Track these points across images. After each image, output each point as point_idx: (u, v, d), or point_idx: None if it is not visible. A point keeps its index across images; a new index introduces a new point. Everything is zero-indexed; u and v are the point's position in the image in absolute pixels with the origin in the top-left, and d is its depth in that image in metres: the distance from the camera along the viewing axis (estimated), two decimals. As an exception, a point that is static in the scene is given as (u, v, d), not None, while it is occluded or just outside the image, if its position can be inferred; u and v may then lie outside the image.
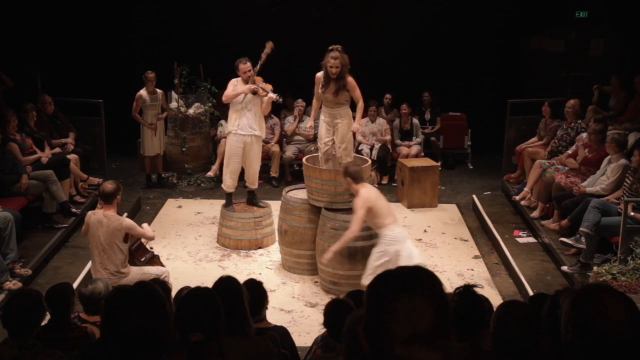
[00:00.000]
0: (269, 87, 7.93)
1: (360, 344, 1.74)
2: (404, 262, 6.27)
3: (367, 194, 6.42)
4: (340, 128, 7.39)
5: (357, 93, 7.34)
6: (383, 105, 11.67)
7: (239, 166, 8.17)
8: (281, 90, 8.47)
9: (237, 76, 7.94)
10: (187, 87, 10.84)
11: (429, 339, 1.64)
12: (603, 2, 12.14)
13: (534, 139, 10.06)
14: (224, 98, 7.99)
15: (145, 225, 6.53)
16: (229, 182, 8.20)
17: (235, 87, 7.90)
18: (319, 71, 7.39)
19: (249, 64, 7.82)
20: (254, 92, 7.84)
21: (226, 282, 3.54)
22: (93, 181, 9.49)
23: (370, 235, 6.95)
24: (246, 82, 7.85)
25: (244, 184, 8.55)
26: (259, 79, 7.93)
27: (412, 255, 6.39)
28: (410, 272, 1.76)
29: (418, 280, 1.72)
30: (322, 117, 7.52)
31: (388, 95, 11.76)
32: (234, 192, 8.34)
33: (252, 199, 8.44)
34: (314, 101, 7.66)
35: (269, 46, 7.86)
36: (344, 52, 7.18)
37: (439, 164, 10.48)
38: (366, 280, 6.28)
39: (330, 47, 7.18)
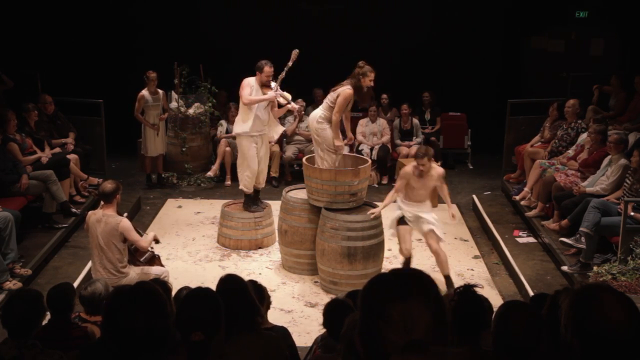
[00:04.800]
0: (288, 96, 7.97)
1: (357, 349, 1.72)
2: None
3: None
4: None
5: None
6: (381, 105, 11.67)
7: (257, 166, 8.17)
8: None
9: (243, 75, 7.92)
10: (187, 87, 10.84)
11: (425, 345, 1.61)
12: (603, 2, 12.13)
13: (537, 137, 10.05)
14: (246, 101, 7.83)
15: (149, 235, 6.44)
16: (248, 183, 8.19)
17: (251, 88, 7.82)
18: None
19: (272, 68, 7.79)
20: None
21: (230, 282, 3.53)
22: (93, 181, 9.49)
23: (370, 235, 6.95)
24: (263, 84, 7.82)
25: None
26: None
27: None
28: (404, 276, 1.73)
29: (412, 285, 1.69)
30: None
31: (384, 95, 11.75)
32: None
33: (256, 200, 8.42)
34: (340, 117, 7.44)
35: (295, 54, 7.73)
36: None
37: (439, 164, 10.46)
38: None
39: (362, 63, 7.24)
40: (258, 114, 7.89)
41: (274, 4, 12.22)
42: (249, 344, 3.19)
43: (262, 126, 7.99)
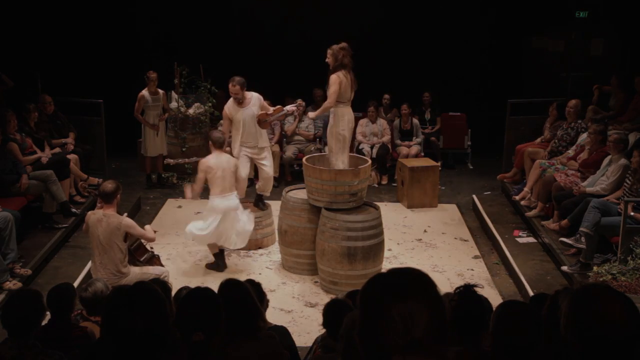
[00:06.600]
0: (280, 109, 8.05)
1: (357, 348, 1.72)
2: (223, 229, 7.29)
3: (211, 161, 7.32)
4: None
5: (330, 90, 7.23)
6: (382, 105, 11.68)
7: (244, 174, 8.13)
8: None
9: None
10: (187, 87, 10.83)
11: (425, 345, 1.61)
12: (603, 2, 12.13)
13: (540, 137, 10.04)
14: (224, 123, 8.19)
15: (147, 227, 6.51)
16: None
17: (229, 110, 7.92)
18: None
19: (238, 87, 7.78)
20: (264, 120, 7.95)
21: (231, 287, 3.50)
22: (93, 181, 9.49)
23: (370, 235, 6.95)
24: (236, 101, 7.84)
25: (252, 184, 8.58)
26: (270, 109, 7.98)
27: (234, 224, 7.27)
28: (403, 276, 1.73)
29: (412, 284, 1.69)
30: None
31: (386, 96, 11.77)
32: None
33: (259, 202, 8.43)
34: None
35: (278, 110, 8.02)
36: (342, 49, 7.14)
37: (439, 164, 10.48)
38: (188, 231, 7.33)
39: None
40: (247, 132, 7.93)
41: (273, 3, 12.21)
42: (251, 349, 3.18)
43: (256, 142, 8.01)
